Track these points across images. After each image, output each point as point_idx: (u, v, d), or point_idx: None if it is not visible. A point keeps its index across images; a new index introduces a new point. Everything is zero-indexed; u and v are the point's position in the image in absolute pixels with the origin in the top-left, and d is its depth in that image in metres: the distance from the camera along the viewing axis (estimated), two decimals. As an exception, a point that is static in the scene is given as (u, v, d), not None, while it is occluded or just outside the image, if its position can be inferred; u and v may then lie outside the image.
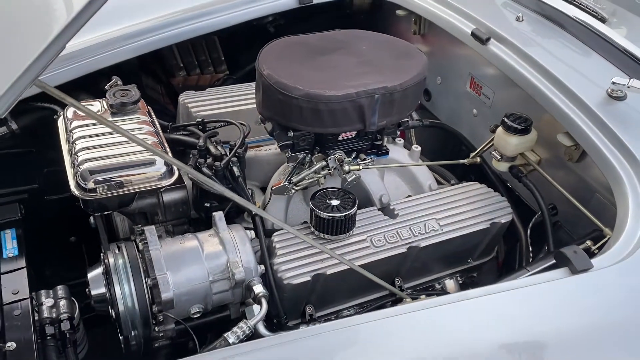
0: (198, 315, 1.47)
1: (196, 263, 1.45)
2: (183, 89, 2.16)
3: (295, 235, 1.47)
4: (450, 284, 1.82)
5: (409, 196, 1.81)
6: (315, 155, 1.70)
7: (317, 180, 1.67)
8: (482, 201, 1.75)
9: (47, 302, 1.51)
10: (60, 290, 1.54)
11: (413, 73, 1.62)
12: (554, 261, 1.38)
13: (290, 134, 1.62)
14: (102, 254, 1.50)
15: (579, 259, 1.30)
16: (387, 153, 1.79)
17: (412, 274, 1.74)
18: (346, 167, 1.63)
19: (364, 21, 2.52)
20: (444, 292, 1.80)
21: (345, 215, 1.52)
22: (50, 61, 0.79)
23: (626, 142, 1.52)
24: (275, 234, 1.59)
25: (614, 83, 1.61)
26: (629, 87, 1.57)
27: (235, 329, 1.34)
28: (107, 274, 1.45)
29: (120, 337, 1.47)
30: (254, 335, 1.36)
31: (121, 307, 1.40)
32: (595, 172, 1.65)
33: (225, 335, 1.33)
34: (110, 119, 1.66)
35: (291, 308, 1.59)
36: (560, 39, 1.91)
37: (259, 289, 1.44)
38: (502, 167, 1.86)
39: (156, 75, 2.52)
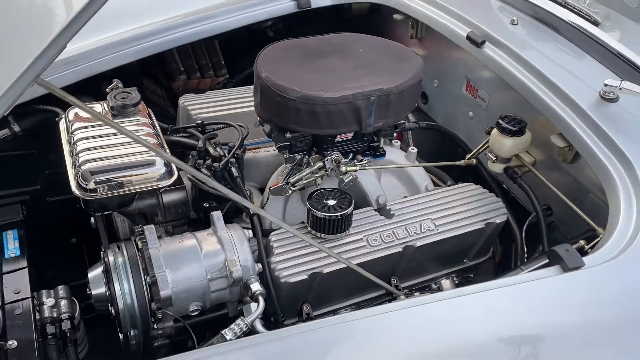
0: (196, 313, 1.49)
1: (194, 261, 1.47)
2: (184, 92, 2.18)
3: (292, 234, 1.50)
4: (446, 284, 1.84)
5: (406, 197, 1.83)
6: (313, 156, 1.72)
7: (314, 180, 1.69)
8: (477, 202, 1.77)
9: (48, 301, 1.53)
10: (61, 290, 1.57)
11: (409, 75, 1.65)
12: (548, 260, 1.40)
13: (288, 135, 1.64)
14: (102, 252, 1.53)
15: (570, 257, 1.32)
16: (383, 154, 1.82)
17: (409, 274, 1.76)
18: (343, 168, 1.66)
19: (362, 25, 2.54)
20: (439, 292, 1.81)
21: (341, 215, 1.55)
22: (51, 60, 0.81)
23: (618, 143, 1.54)
24: (272, 233, 1.61)
25: (606, 85, 1.63)
26: (620, 88, 1.59)
27: (232, 325, 1.36)
28: (107, 272, 1.47)
29: (120, 335, 1.49)
30: (251, 332, 1.38)
31: (120, 305, 1.43)
32: (588, 173, 1.67)
33: (222, 332, 1.35)
34: (111, 121, 1.69)
35: (288, 307, 1.61)
36: (554, 42, 1.93)
37: (256, 287, 1.46)
38: (497, 168, 1.88)
39: (157, 79, 2.55)
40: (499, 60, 1.88)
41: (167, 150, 1.67)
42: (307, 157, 1.71)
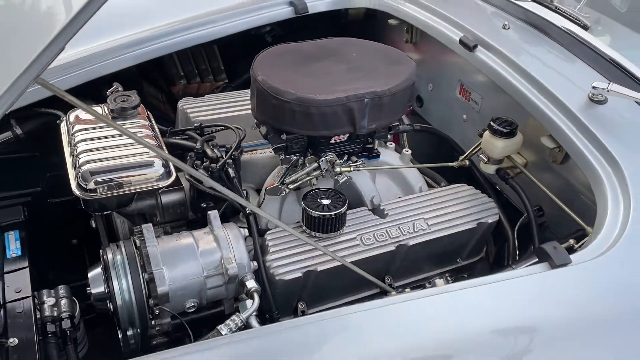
0: (193, 309, 1.52)
1: (191, 259, 1.50)
2: (183, 97, 2.21)
3: (287, 233, 1.53)
4: (440, 283, 1.85)
5: (400, 197, 1.86)
6: (308, 158, 1.75)
7: (309, 181, 1.72)
8: (470, 202, 1.80)
9: (49, 300, 1.56)
10: (62, 289, 1.60)
11: (402, 78, 1.69)
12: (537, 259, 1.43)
13: (284, 136, 1.68)
14: (101, 251, 1.56)
15: (558, 254, 1.35)
16: (378, 156, 1.85)
17: (402, 273, 1.79)
18: (338, 169, 1.69)
19: (358, 30, 2.58)
20: (433, 290, 1.84)
21: (335, 214, 1.58)
22: (51, 60, 0.84)
23: (606, 144, 1.57)
24: (268, 232, 1.64)
25: (594, 87, 1.67)
26: (608, 91, 1.62)
27: (228, 321, 1.39)
28: (105, 269, 1.51)
29: (119, 331, 1.52)
30: (246, 328, 1.41)
31: (119, 301, 1.46)
32: (578, 174, 1.70)
33: (218, 327, 1.38)
34: (111, 123, 1.72)
35: (283, 304, 1.64)
36: (544, 46, 1.97)
37: (251, 284, 1.49)
38: (490, 169, 1.91)
39: (157, 84, 2.59)
40: (491, 64, 1.92)
41: (166, 152, 1.70)
42: (302, 158, 1.74)
